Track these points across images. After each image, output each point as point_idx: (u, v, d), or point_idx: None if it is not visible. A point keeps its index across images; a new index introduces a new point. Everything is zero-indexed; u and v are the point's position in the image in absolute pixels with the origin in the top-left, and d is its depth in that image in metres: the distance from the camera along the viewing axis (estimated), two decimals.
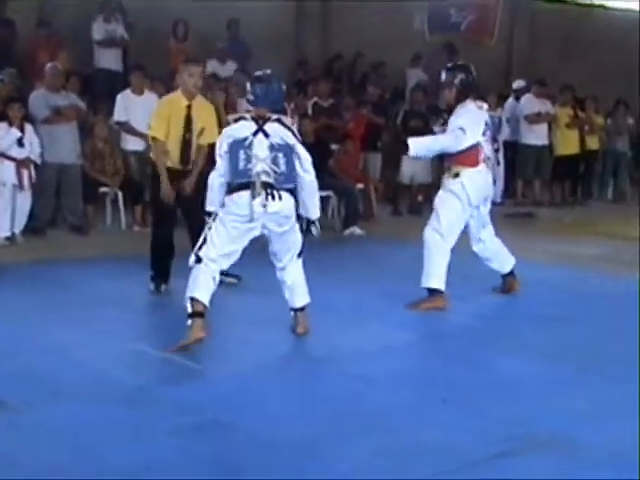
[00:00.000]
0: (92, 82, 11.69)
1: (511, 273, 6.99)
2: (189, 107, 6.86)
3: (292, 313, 5.80)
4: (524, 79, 14.09)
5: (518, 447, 4.02)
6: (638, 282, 7.14)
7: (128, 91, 10.15)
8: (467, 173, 6.50)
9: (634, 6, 17.82)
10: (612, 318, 6.45)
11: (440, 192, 6.70)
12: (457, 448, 3.98)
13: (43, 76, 9.76)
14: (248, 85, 5.70)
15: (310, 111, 11.57)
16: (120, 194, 10.07)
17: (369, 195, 11.40)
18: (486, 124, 6.64)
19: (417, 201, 11.83)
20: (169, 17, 12.36)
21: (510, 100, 13.71)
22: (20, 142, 9.07)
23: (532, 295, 6.92)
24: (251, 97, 5.61)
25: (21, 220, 9.10)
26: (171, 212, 6.93)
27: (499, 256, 6.94)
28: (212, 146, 6.27)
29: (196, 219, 6.90)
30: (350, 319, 5.94)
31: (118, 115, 10.12)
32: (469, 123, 6.43)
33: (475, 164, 6.55)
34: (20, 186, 9.02)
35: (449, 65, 6.83)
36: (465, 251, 6.70)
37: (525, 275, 7.03)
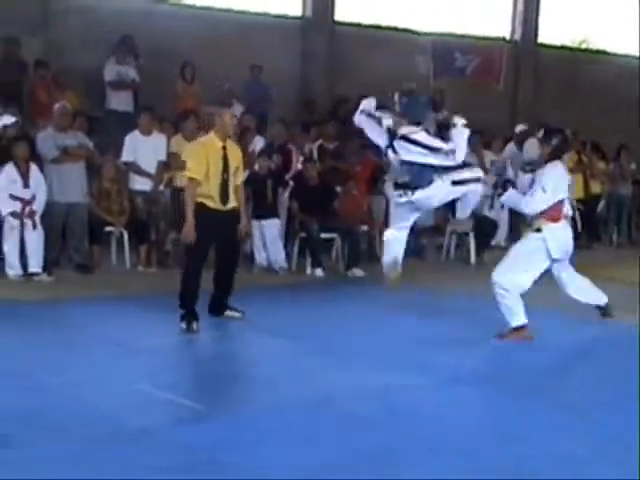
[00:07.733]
0: (102, 123, 11.82)
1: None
2: (224, 148, 7.03)
3: None
4: (528, 123, 14.16)
5: None
6: (638, 327, 7.14)
7: (137, 132, 10.26)
8: (549, 228, 6.77)
9: (634, 52, 18.02)
10: (611, 364, 6.47)
11: (518, 244, 7.09)
12: None
13: (50, 116, 9.87)
14: None
15: (315, 153, 11.67)
16: (125, 234, 10.15)
17: (373, 237, 11.45)
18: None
19: (421, 244, 11.86)
20: (177, 60, 12.53)
21: (511, 144, 13.75)
22: (26, 183, 9.16)
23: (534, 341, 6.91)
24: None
25: (38, 258, 9.13)
26: (207, 251, 7.08)
27: (586, 291, 7.38)
28: None
29: (232, 260, 7.08)
30: (348, 360, 5.95)
31: (126, 155, 10.21)
32: (553, 183, 6.73)
33: (557, 219, 6.83)
34: (33, 225, 9.09)
35: (548, 127, 7.43)
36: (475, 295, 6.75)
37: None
